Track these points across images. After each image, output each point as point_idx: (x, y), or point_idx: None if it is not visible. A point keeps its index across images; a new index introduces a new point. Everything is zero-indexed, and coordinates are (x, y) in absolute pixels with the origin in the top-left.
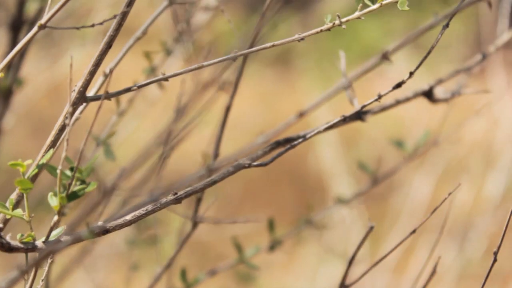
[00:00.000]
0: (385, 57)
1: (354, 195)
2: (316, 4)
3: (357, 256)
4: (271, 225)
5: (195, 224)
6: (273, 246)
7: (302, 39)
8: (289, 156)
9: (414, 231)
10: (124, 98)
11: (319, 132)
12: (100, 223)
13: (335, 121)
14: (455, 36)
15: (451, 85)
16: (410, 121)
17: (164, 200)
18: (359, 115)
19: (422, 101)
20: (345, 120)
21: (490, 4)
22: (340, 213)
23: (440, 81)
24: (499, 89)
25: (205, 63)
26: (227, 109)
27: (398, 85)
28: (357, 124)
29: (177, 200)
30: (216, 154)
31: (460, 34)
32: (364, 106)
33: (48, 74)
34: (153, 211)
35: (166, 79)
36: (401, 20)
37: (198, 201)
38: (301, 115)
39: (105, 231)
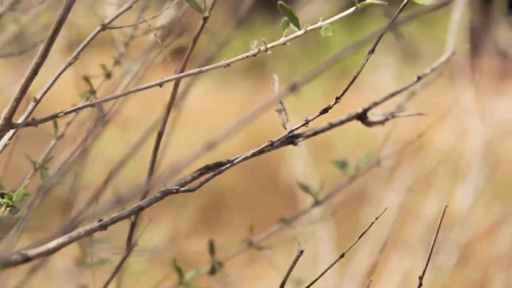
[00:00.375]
0: (294, 88)
1: (294, 216)
2: (298, 10)
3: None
4: (211, 248)
5: (128, 252)
6: (214, 269)
7: (228, 65)
8: (261, 168)
9: (342, 255)
10: (62, 121)
11: (246, 158)
12: (22, 251)
13: (262, 146)
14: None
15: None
16: (381, 132)
17: (88, 227)
18: (291, 139)
19: None
20: (273, 144)
21: (399, 36)
22: (309, 228)
23: (375, 104)
24: (468, 100)
25: (131, 89)
26: (160, 135)
27: (325, 110)
28: (329, 136)
29: (103, 227)
30: (150, 178)
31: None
32: (292, 131)
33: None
34: (77, 238)
35: (93, 105)
36: (374, 28)
37: (132, 226)
38: (210, 146)
39: (27, 259)
